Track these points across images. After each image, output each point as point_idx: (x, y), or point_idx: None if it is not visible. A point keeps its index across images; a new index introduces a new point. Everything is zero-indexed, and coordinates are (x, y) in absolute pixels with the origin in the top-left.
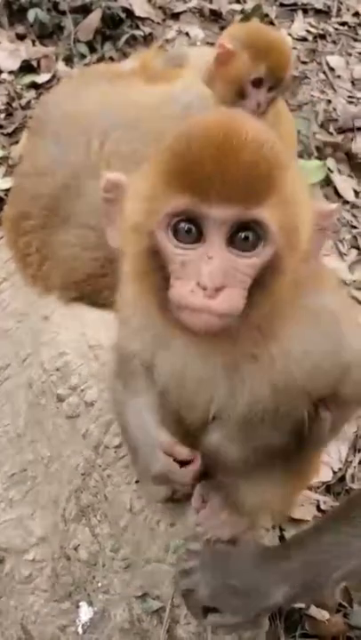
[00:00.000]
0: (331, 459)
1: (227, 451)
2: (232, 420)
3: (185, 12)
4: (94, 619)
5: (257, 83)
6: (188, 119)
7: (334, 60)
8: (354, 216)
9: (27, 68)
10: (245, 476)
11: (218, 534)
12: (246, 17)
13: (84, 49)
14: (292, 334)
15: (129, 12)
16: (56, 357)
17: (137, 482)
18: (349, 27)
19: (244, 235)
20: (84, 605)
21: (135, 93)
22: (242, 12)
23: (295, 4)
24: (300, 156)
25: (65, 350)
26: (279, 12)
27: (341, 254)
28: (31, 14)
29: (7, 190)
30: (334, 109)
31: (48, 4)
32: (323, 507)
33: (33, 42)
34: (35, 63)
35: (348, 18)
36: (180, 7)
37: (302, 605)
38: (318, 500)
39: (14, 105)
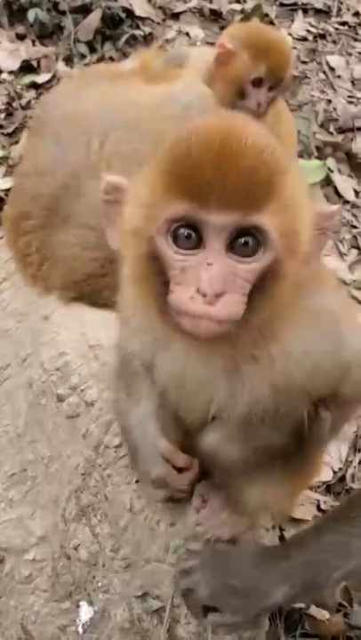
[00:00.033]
0: (331, 458)
1: (226, 451)
2: (232, 421)
3: (185, 11)
4: (94, 618)
5: (257, 82)
6: (188, 123)
7: (334, 60)
8: (354, 216)
9: (27, 67)
10: (245, 476)
11: (218, 534)
12: (246, 17)
13: (84, 49)
14: (292, 335)
15: (129, 12)
16: (56, 357)
17: (137, 482)
18: (350, 26)
19: (244, 240)
20: (84, 605)
21: (135, 93)
22: (242, 11)
23: (295, 4)
24: (301, 155)
25: (65, 350)
26: (279, 12)
27: (341, 254)
28: (31, 14)
29: (7, 190)
30: (334, 109)
31: (48, 4)
32: (323, 506)
33: (33, 42)
34: (35, 63)
35: (348, 17)
36: (180, 7)
37: (302, 605)
38: (318, 500)
39: (14, 105)
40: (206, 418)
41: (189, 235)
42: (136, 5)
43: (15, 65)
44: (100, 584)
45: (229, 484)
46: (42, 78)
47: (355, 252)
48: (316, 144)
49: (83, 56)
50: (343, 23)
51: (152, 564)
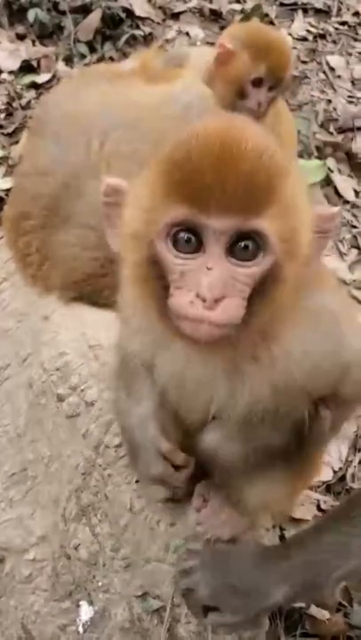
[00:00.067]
0: (331, 458)
1: (226, 450)
2: (232, 420)
3: (185, 11)
4: (95, 618)
5: (257, 82)
6: (188, 127)
7: (334, 60)
8: (354, 216)
9: (27, 67)
10: (246, 475)
11: (218, 534)
12: (246, 17)
13: (84, 49)
14: (292, 335)
15: (129, 12)
16: (56, 357)
17: (137, 481)
18: (350, 26)
19: (244, 244)
20: (84, 605)
21: (135, 93)
22: (242, 11)
23: (295, 4)
24: (301, 155)
25: (65, 350)
26: (279, 12)
27: (341, 254)
28: (31, 14)
29: (7, 190)
30: (334, 109)
31: (48, 4)
32: (323, 506)
33: (33, 42)
34: (35, 63)
35: (348, 17)
36: (180, 7)
37: (303, 605)
38: (319, 500)
39: (14, 105)
40: (206, 418)
41: (189, 239)
42: (136, 5)
43: (15, 65)
44: (100, 584)
45: (229, 483)
46: (42, 78)
47: (355, 251)
48: (316, 144)
49: (83, 56)
50: (343, 23)
51: (152, 564)
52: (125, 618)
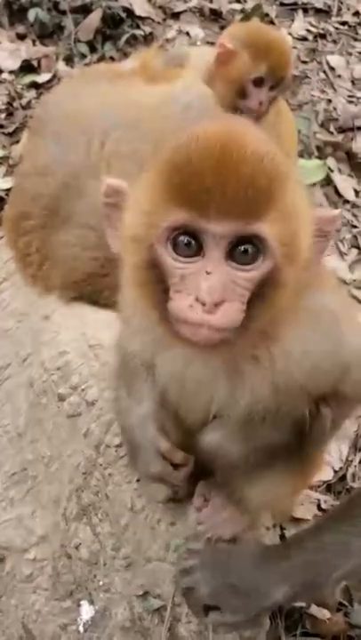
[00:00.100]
0: (331, 458)
1: (227, 450)
2: (232, 420)
3: (185, 11)
4: (95, 617)
5: (258, 82)
6: (188, 130)
7: (335, 60)
8: (354, 215)
9: (27, 67)
10: (246, 474)
11: (219, 533)
12: (246, 16)
13: (84, 49)
14: (292, 335)
15: (129, 12)
16: (57, 357)
17: (138, 481)
18: (350, 26)
19: (244, 248)
20: (85, 604)
21: (135, 93)
22: (242, 11)
23: (295, 4)
24: (301, 155)
25: (65, 350)
26: (279, 12)
27: (342, 254)
28: (31, 14)
29: (8, 190)
30: (335, 109)
31: (48, 4)
32: (323, 506)
33: (33, 41)
34: (35, 63)
35: (348, 17)
36: (180, 7)
37: (303, 604)
38: (319, 499)
39: (15, 105)
40: (207, 417)
41: (189, 242)
42: (136, 5)
43: (15, 65)
44: (100, 583)
45: (230, 482)
46: (42, 78)
47: (355, 251)
48: (317, 144)
49: (83, 56)
50: (343, 23)
51: (153, 563)
52: (126, 617)
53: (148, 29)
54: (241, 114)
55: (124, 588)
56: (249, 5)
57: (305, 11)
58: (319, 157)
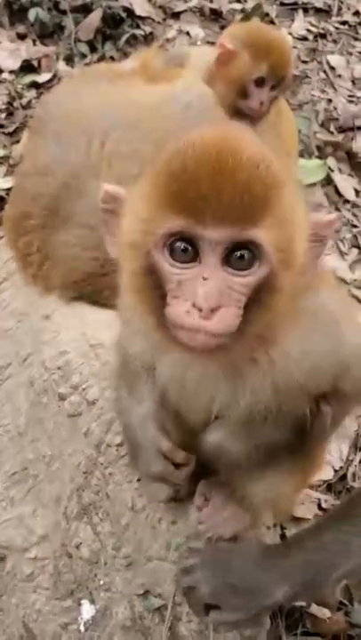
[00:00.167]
0: (332, 457)
1: (228, 449)
2: (233, 420)
3: (185, 11)
4: (96, 616)
5: (260, 82)
6: (184, 136)
7: (335, 60)
8: (354, 215)
9: (27, 67)
10: (248, 473)
11: (219, 532)
12: (247, 16)
13: (84, 48)
14: (291, 335)
15: (129, 12)
16: (57, 356)
17: (139, 480)
18: (350, 26)
19: (240, 254)
20: (85, 603)
21: (136, 93)
22: (242, 11)
23: (296, 3)
24: (301, 155)
25: (66, 349)
26: (280, 12)
27: (342, 253)
28: (32, 14)
29: (8, 190)
30: (335, 108)
31: (49, 4)
32: (324, 505)
33: (33, 41)
34: (35, 63)
35: (348, 17)
36: (180, 6)
37: (303, 604)
38: (319, 499)
39: (15, 104)
40: (208, 418)
41: (185, 248)
42: (136, 5)
43: (16, 64)
44: (101, 582)
45: (232, 481)
46: (42, 78)
47: (355, 251)
48: (317, 143)
49: (83, 55)
50: (343, 22)
51: (154, 563)
52: (127, 616)
53: (148, 29)
54: (242, 114)
55: (124, 587)
56: (249, 5)
57: (305, 10)
58: (319, 157)
